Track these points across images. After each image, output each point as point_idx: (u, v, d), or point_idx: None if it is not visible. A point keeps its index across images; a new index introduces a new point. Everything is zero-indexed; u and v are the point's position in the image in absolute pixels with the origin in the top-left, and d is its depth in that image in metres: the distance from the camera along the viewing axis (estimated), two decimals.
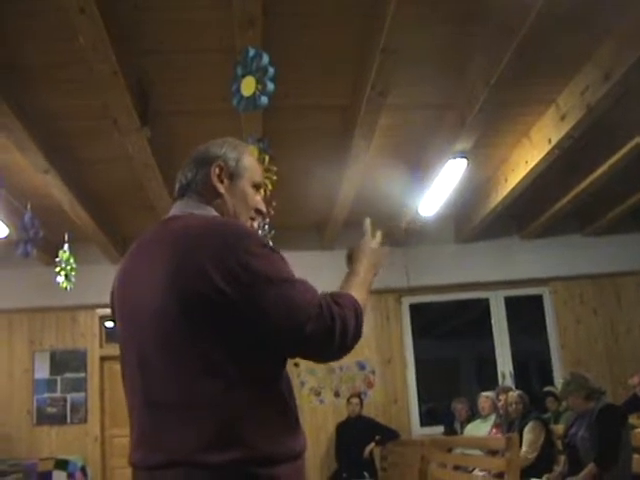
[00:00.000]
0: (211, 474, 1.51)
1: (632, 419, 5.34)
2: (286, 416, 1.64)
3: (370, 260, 1.91)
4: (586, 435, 4.96)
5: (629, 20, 4.17)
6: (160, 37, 4.28)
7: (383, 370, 8.59)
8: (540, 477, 5.33)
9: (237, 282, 1.54)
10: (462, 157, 5.83)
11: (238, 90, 3.53)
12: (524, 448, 5.66)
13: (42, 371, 8.38)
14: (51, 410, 8.28)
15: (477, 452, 6.18)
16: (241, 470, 1.53)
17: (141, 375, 1.64)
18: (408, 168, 6.55)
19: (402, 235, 7.96)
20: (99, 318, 8.45)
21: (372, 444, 7.78)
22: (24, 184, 6.01)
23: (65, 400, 8.33)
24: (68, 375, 8.38)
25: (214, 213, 1.78)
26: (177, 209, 1.81)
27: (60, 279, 6.65)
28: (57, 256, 6.71)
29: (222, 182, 1.82)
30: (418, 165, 6.44)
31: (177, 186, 1.86)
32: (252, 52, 3.48)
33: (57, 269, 6.65)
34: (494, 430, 6.73)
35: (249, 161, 1.89)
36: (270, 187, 4.36)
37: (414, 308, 8.90)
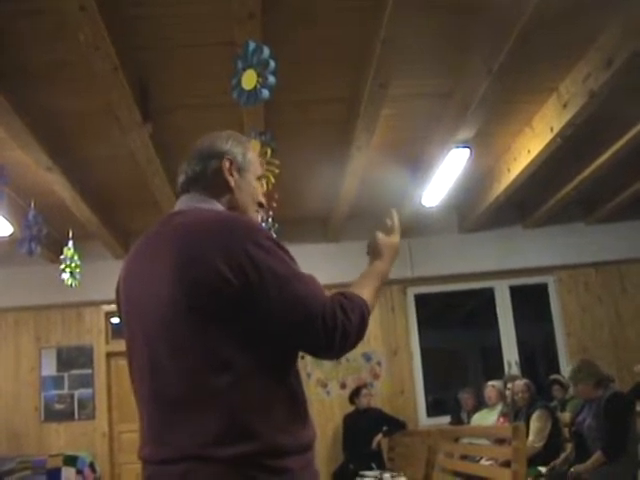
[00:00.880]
0: (222, 467, 1.52)
1: (638, 406, 5.33)
2: (296, 408, 1.64)
3: (392, 255, 1.93)
4: (593, 423, 4.97)
5: (631, 6, 4.15)
6: (160, 32, 4.27)
7: (389, 361, 8.60)
8: (547, 465, 5.34)
9: (245, 275, 1.54)
10: (465, 147, 5.82)
11: (239, 83, 3.52)
12: (531, 437, 5.67)
13: (49, 368, 8.41)
14: (59, 407, 8.31)
15: (484, 441, 6.19)
16: (252, 462, 1.53)
17: (150, 370, 1.64)
18: (411, 159, 6.54)
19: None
20: (105, 314, 8.47)
21: (379, 435, 7.79)
22: (28, 182, 6.02)
23: (72, 396, 8.35)
24: (75, 371, 8.41)
25: (220, 207, 1.79)
26: (183, 203, 1.81)
27: (65, 276, 6.67)
28: (62, 253, 6.73)
29: (232, 176, 1.83)
30: (421, 155, 6.43)
31: (182, 180, 1.86)
32: (252, 46, 3.47)
33: (62, 266, 6.67)
34: (501, 419, 6.74)
35: (253, 155, 1.91)
36: (272, 180, 4.36)
37: (419, 298, 8.90)
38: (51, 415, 8.29)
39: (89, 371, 8.40)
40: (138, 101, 4.72)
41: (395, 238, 1.97)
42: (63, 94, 4.86)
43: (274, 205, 4.87)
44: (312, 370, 8.41)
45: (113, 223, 7.42)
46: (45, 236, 6.05)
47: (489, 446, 5.84)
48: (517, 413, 6.28)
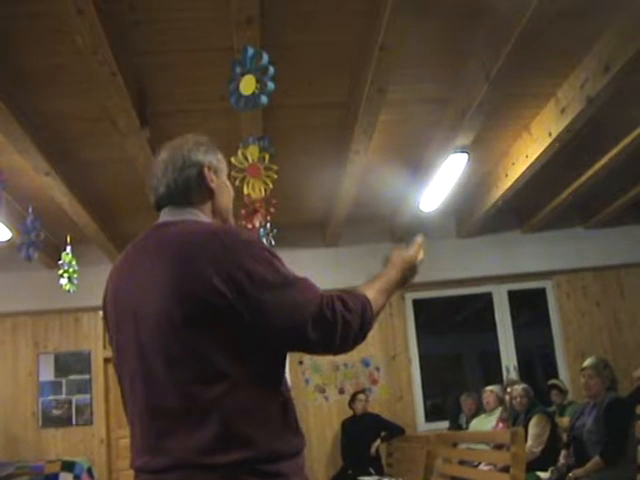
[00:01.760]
0: (218, 475, 1.54)
1: (638, 410, 5.32)
2: (287, 415, 1.66)
3: (405, 270, 1.95)
4: (593, 428, 4.96)
5: (629, 11, 4.16)
6: (158, 37, 4.27)
7: (388, 366, 8.59)
8: (546, 470, 5.33)
9: (238, 286, 1.57)
10: (462, 152, 5.83)
11: (237, 89, 3.52)
12: (529, 442, 5.66)
13: (47, 373, 8.39)
14: (56, 412, 8.29)
15: (483, 446, 6.18)
16: (248, 469, 1.55)
17: (142, 381, 1.65)
18: (409, 164, 6.54)
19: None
20: (102, 320, 8.44)
21: (378, 440, 7.78)
22: (25, 187, 6.01)
23: (70, 402, 8.33)
24: (72, 377, 8.39)
25: (205, 218, 1.81)
26: (168, 215, 1.82)
27: (63, 281, 6.65)
28: (60, 258, 6.71)
29: (213, 181, 1.86)
30: (419, 160, 6.44)
31: (161, 192, 1.84)
32: (251, 51, 3.47)
33: (60, 271, 6.65)
34: (499, 424, 6.73)
35: (220, 155, 1.95)
36: (270, 185, 4.36)
37: (417, 304, 8.89)
38: (49, 421, 8.27)
39: (87, 377, 8.38)
40: (136, 106, 4.72)
41: (411, 252, 1.99)
42: (61, 98, 4.85)
43: (272, 210, 4.87)
44: (310, 376, 8.40)
45: (111, 228, 7.42)
46: (43, 241, 6.03)
47: (488, 451, 5.83)
48: (516, 418, 6.27)
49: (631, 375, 7.30)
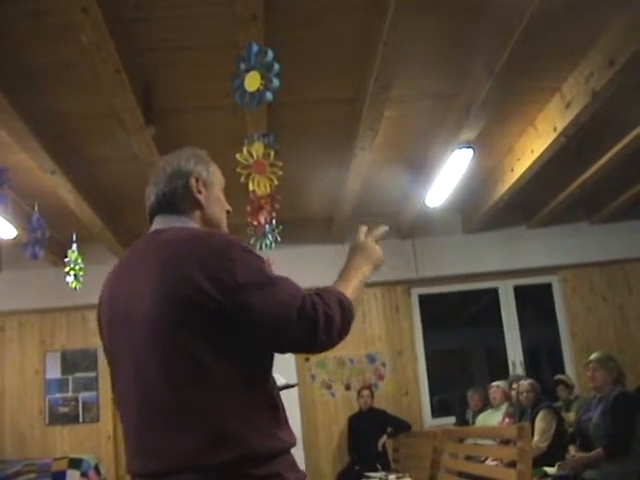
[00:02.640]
0: (214, 475, 1.57)
1: None
2: (277, 412, 1.71)
3: (363, 254, 1.95)
4: (599, 422, 4.95)
5: (634, 5, 4.14)
6: (163, 34, 4.27)
7: (394, 362, 8.59)
8: (552, 465, 5.33)
9: (223, 287, 1.61)
10: (468, 147, 5.82)
11: (241, 85, 3.52)
12: (536, 437, 5.66)
13: (53, 371, 8.41)
14: (63, 410, 8.31)
15: (489, 442, 6.18)
16: (243, 467, 1.58)
17: (136, 384, 1.69)
18: (414, 159, 6.54)
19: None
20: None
21: (384, 436, 7.79)
22: (31, 185, 6.03)
23: (77, 399, 8.36)
24: (79, 375, 8.41)
25: (195, 225, 1.87)
26: (160, 223, 1.89)
27: (69, 279, 6.67)
28: (66, 256, 6.73)
29: (200, 193, 1.91)
30: (424, 156, 6.43)
31: (152, 201, 1.93)
32: (256, 47, 3.47)
33: (66, 269, 6.67)
34: (506, 419, 6.73)
35: (215, 168, 2.00)
36: (276, 182, 4.36)
37: (423, 299, 8.89)
38: (56, 418, 8.30)
39: (93, 374, 8.40)
40: (141, 103, 4.72)
41: (370, 241, 1.99)
42: (66, 96, 4.86)
43: (277, 207, 4.87)
44: (316, 372, 8.41)
45: (117, 226, 7.43)
46: (49, 239, 6.05)
47: (494, 446, 5.83)
48: (522, 413, 6.27)
49: (638, 370, 7.29)
